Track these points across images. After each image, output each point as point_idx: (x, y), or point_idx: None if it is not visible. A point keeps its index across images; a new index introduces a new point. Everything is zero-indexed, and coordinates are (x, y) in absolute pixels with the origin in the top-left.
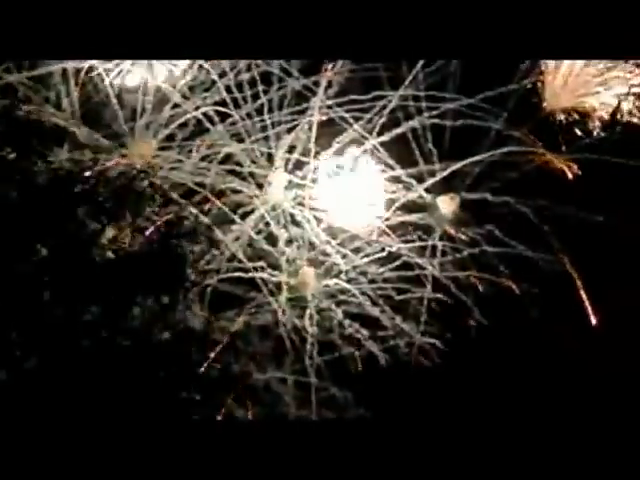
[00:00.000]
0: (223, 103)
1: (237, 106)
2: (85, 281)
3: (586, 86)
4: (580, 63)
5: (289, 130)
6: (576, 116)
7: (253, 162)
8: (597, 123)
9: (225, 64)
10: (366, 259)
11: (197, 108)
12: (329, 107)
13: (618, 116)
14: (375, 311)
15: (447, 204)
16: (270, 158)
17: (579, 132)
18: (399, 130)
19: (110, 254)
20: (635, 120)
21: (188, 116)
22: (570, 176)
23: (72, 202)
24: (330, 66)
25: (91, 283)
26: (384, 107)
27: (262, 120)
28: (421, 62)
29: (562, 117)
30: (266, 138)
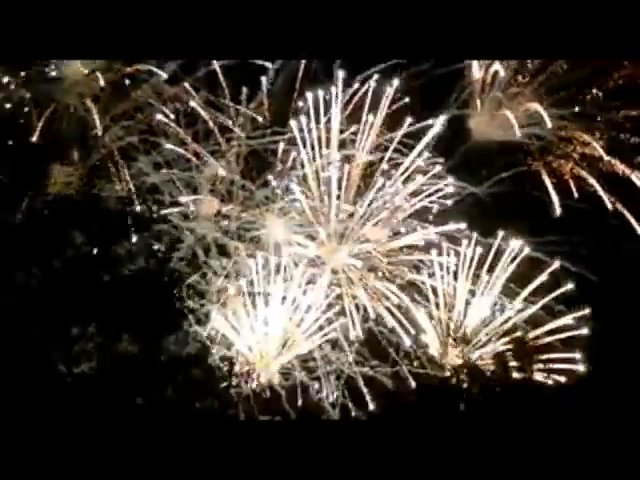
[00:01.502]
0: (148, 133)
1: (165, 135)
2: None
3: (510, 122)
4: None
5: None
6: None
7: (179, 191)
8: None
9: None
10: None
11: (120, 138)
12: (253, 138)
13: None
14: (307, 342)
15: (374, 234)
16: (196, 189)
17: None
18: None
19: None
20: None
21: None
22: None
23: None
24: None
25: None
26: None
27: (187, 150)
28: (349, 94)
29: (485, 150)
30: (190, 168)
